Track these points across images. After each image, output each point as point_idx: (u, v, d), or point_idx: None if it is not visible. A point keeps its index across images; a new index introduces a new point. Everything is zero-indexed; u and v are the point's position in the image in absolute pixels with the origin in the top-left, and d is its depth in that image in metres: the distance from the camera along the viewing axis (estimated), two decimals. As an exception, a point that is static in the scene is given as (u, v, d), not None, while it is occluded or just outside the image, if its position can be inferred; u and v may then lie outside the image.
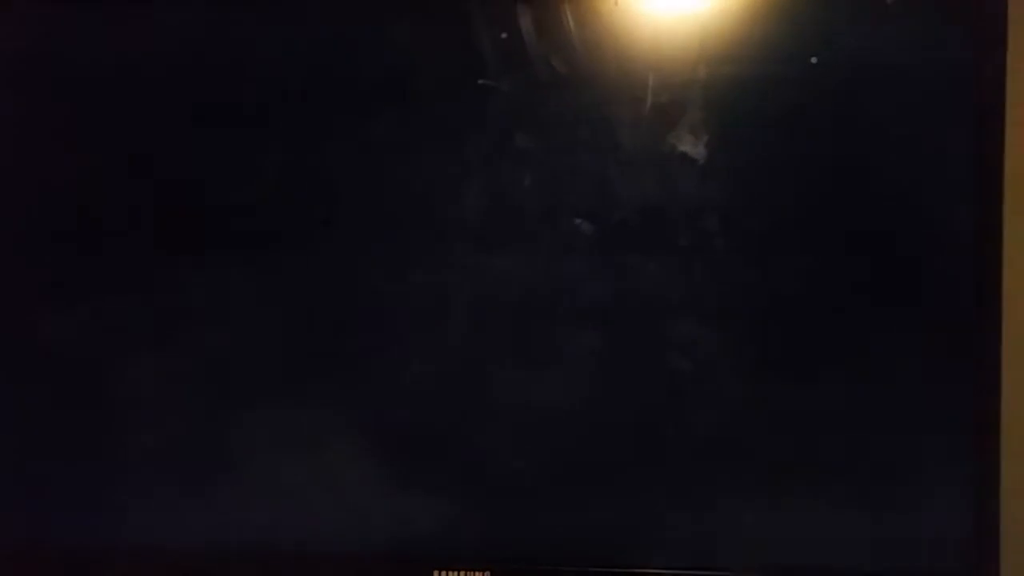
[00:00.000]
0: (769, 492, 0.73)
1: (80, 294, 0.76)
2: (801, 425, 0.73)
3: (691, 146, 0.71)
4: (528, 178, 0.73)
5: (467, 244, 0.73)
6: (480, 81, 0.72)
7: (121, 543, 0.77)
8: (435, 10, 0.73)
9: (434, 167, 0.74)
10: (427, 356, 0.75)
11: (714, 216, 0.72)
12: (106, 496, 0.77)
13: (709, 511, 0.74)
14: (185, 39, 0.75)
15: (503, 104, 0.72)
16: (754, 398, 0.73)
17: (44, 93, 0.76)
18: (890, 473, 0.72)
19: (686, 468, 0.73)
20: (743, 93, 0.71)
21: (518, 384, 0.74)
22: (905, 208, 0.72)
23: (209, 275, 0.76)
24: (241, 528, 0.76)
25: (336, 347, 0.75)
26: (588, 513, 0.74)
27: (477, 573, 0.74)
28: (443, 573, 0.74)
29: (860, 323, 0.72)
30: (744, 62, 0.71)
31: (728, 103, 0.71)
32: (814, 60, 0.71)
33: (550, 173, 0.73)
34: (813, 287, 0.72)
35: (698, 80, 0.71)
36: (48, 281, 0.77)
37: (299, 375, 0.76)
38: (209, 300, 0.76)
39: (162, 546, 0.76)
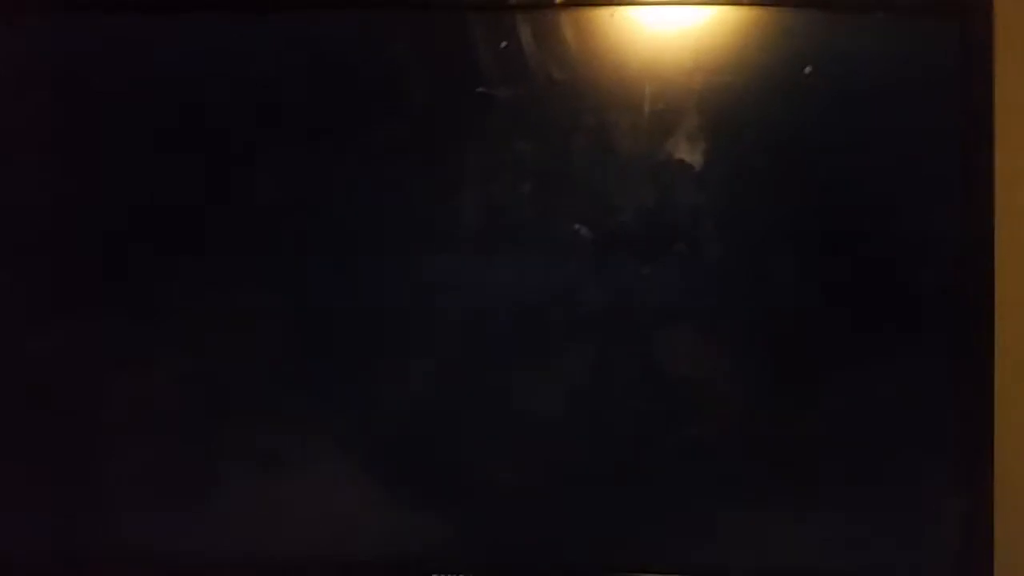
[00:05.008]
0: (760, 502, 0.73)
1: (72, 304, 0.76)
2: (793, 436, 0.73)
3: (687, 154, 0.72)
4: (526, 186, 0.73)
5: (465, 252, 0.74)
6: (479, 90, 0.73)
7: (113, 554, 0.76)
8: (434, 19, 0.74)
9: (432, 176, 0.74)
10: (422, 365, 0.74)
11: (710, 224, 0.72)
12: (96, 506, 0.76)
13: (700, 520, 0.74)
14: (181, 48, 0.75)
15: (502, 113, 0.73)
16: (746, 409, 0.73)
17: (35, 108, 0.76)
18: (881, 486, 0.73)
19: (678, 476, 0.73)
20: (739, 102, 0.72)
21: (516, 393, 0.74)
22: (899, 215, 0.72)
23: (204, 287, 0.75)
24: (231, 539, 0.75)
25: (328, 357, 0.75)
26: (582, 522, 0.74)
27: (471, 582, 0.73)
28: (437, 582, 0.74)
29: (854, 333, 0.73)
30: (739, 72, 0.72)
31: (724, 112, 0.72)
32: (808, 70, 0.72)
33: (548, 181, 0.73)
34: (807, 296, 0.73)
35: (694, 90, 0.72)
36: (42, 294, 0.76)
37: (291, 385, 0.75)
38: (202, 310, 0.76)
39: (154, 557, 0.75)
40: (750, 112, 0.72)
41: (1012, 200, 0.73)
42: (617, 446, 0.74)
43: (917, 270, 0.72)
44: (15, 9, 0.75)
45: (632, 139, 0.72)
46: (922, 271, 0.72)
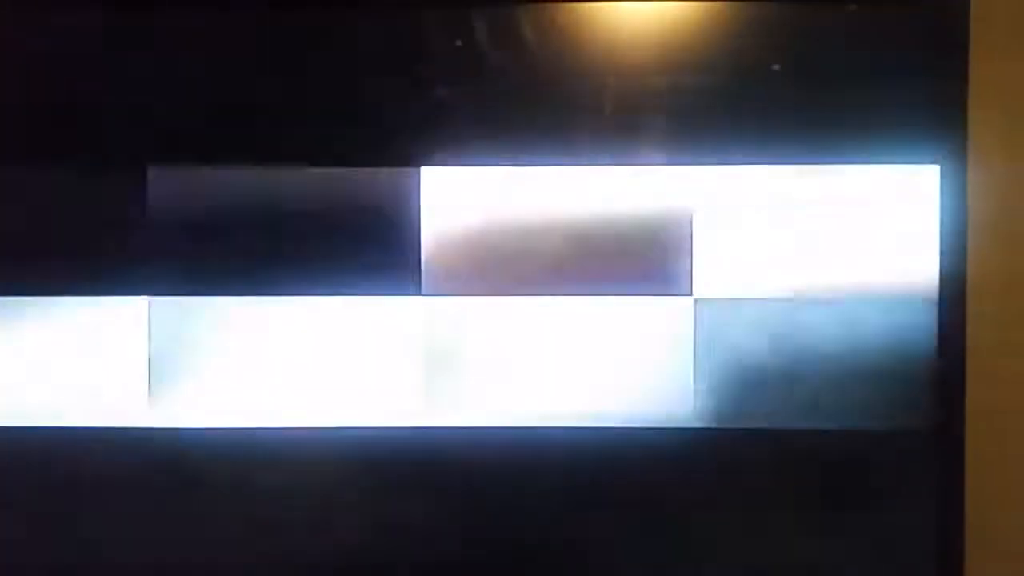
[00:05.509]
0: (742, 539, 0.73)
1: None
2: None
3: (651, 156, 0.70)
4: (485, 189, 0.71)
5: (422, 265, 0.72)
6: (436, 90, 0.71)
7: (93, 560, 0.73)
8: (387, 18, 0.71)
9: (386, 178, 0.72)
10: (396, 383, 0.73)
11: (677, 242, 0.71)
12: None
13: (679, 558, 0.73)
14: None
15: (457, 114, 0.71)
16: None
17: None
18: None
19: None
20: (704, 101, 0.70)
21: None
22: (866, 213, 0.71)
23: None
24: (210, 545, 0.73)
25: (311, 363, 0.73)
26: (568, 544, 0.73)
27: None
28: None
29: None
30: (705, 70, 0.70)
31: (689, 111, 0.70)
32: (776, 67, 0.70)
33: (507, 184, 0.71)
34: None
35: (658, 89, 0.70)
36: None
37: (276, 389, 0.73)
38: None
39: (132, 562, 0.73)
40: (717, 111, 0.70)
41: (985, 209, 0.71)
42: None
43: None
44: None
45: (593, 141, 0.70)
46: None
